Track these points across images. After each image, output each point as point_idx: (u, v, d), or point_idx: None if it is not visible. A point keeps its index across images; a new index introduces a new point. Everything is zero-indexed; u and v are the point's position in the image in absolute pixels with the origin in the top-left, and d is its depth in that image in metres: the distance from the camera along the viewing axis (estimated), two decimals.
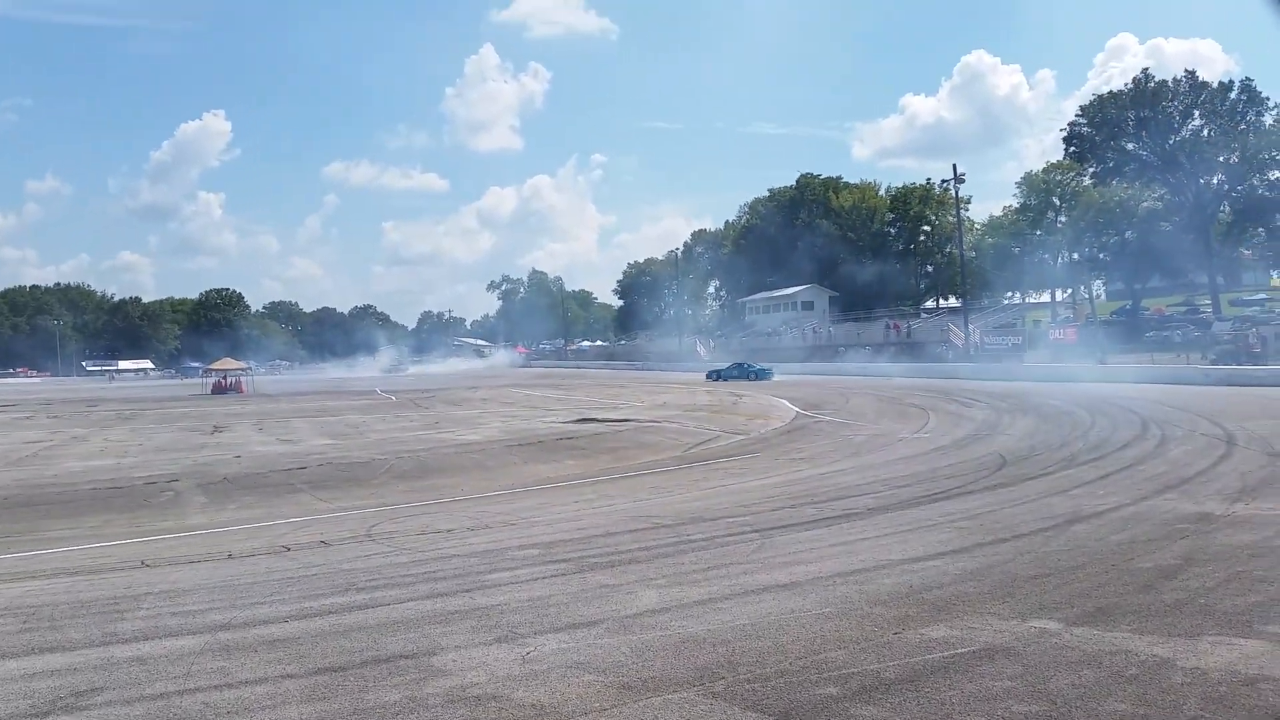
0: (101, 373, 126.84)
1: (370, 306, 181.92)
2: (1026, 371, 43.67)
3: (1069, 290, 77.14)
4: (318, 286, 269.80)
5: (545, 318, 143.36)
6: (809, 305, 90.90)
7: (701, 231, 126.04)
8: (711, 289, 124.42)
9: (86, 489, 16.69)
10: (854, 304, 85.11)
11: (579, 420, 28.03)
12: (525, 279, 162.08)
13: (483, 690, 5.54)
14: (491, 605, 7.56)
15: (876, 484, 14.46)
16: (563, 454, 20.79)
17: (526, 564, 9.32)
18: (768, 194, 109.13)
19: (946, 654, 5.91)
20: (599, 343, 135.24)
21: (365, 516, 13.43)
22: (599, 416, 29.07)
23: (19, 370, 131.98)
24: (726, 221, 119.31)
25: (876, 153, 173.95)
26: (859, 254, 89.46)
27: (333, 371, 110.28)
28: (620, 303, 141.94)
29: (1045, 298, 78.05)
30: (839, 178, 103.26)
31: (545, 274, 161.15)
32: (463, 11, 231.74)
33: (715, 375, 56.47)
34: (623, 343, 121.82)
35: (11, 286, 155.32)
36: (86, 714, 5.35)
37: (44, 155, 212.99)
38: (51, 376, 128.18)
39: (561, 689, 5.50)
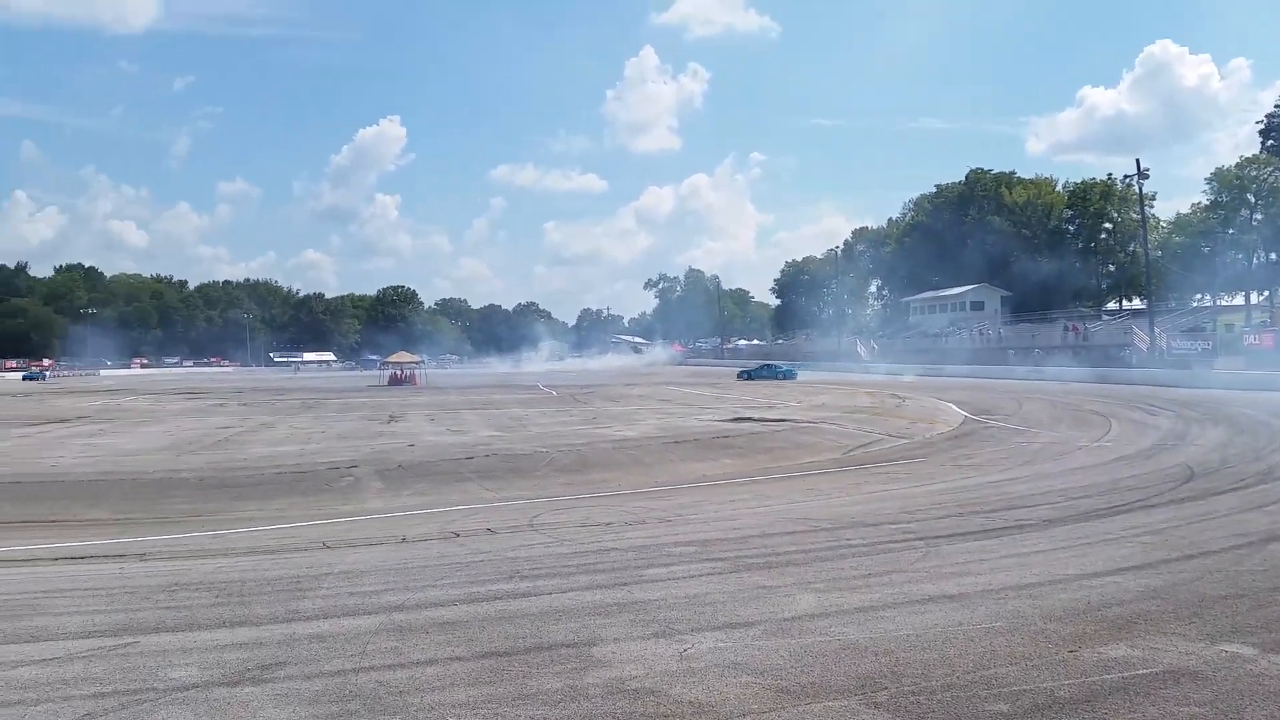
0: (287, 363, 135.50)
1: (533, 304, 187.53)
2: (1217, 379, 40.44)
3: (1265, 292, 71.14)
4: (485, 285, 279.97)
5: (701, 316, 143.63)
6: (978, 305, 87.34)
7: (863, 229, 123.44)
8: (873, 288, 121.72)
9: (272, 473, 17.82)
10: (1027, 305, 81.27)
11: (735, 419, 27.92)
12: (682, 277, 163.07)
13: (641, 684, 5.56)
14: (649, 600, 7.59)
15: (1052, 494, 13.71)
16: (719, 452, 20.74)
17: (683, 560, 9.32)
18: (934, 190, 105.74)
19: (1126, 675, 5.52)
20: (755, 342, 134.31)
21: (528, 507, 13.79)
22: (755, 416, 28.87)
23: (213, 360, 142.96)
24: (890, 219, 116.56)
25: (1052, 147, 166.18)
26: (1033, 252, 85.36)
27: (498, 366, 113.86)
28: (778, 302, 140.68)
29: (1239, 300, 72.15)
30: (1012, 173, 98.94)
31: (702, 272, 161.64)
32: (623, 15, 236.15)
33: (746, 375, 62.68)
34: (779, 342, 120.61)
35: (206, 282, 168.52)
36: (271, 686, 5.69)
37: (235, 160, 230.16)
38: (241, 366, 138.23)
39: (719, 688, 5.45)
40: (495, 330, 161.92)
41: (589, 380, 64.68)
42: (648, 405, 36.08)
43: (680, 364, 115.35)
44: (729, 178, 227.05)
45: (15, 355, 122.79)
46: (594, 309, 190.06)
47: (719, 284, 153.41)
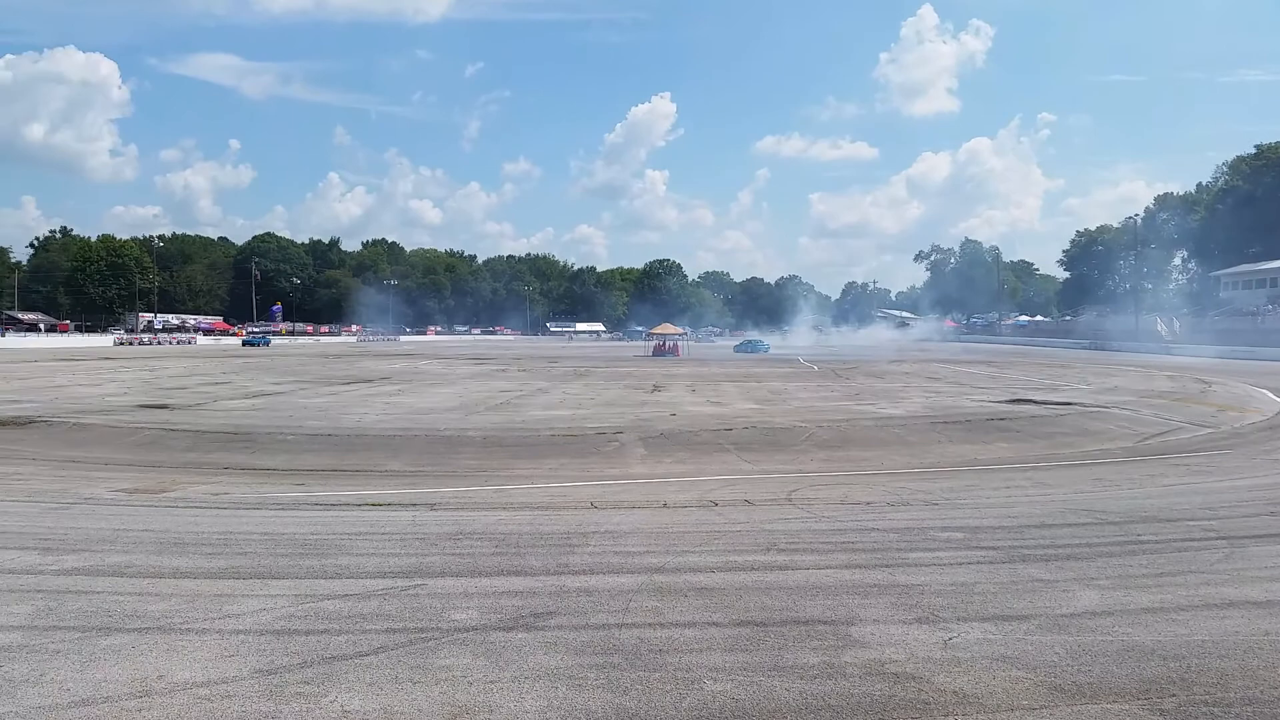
0: (561, 333, 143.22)
1: (795, 276, 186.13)
2: None
3: None
4: (747, 257, 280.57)
5: (977, 290, 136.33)
6: None
7: (1167, 195, 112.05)
8: (1177, 261, 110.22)
9: (547, 435, 18.87)
10: None
11: (1012, 400, 26.29)
12: (957, 248, 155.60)
13: (901, 669, 5.39)
14: (911, 584, 7.33)
15: None
16: (992, 435, 19.64)
17: (949, 547, 8.92)
18: (1254, 152, 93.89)
19: None
20: (1039, 318, 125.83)
21: (785, 480, 13.73)
22: (1036, 398, 27.03)
23: (496, 328, 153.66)
24: (1199, 184, 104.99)
25: None
26: None
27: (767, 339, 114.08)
28: (1066, 275, 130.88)
29: None
30: None
31: (980, 243, 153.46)
32: None
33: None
34: (1067, 318, 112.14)
35: (493, 256, 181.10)
36: (542, 634, 6.04)
37: (519, 141, 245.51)
38: (521, 334, 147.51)
39: (986, 680, 5.18)
40: (757, 302, 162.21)
41: (852, 355, 63.32)
42: (914, 383, 34.79)
43: (952, 340, 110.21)
44: (1013, 141, 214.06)
45: (329, 321, 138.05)
46: (859, 282, 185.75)
47: (998, 255, 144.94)
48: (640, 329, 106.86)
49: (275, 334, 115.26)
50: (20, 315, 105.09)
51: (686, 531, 9.70)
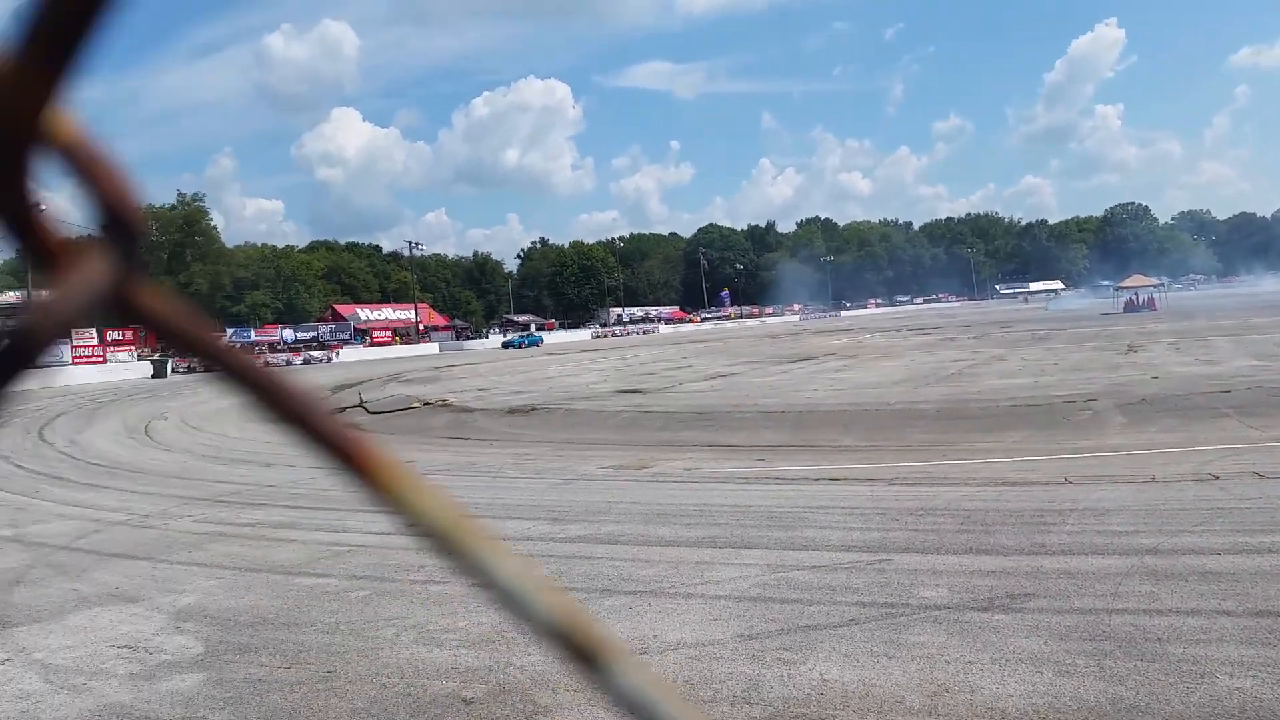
0: (1014, 295, 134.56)
1: None
2: None
3: None
4: (1231, 189, 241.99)
5: None
6: None
7: None
8: None
9: (1005, 405, 17.86)
10: None
11: None
12: None
13: None
14: None
15: None
16: None
17: None
18: None
19: None
20: None
21: None
22: None
23: (939, 296, 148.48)
24: None
25: None
26: None
27: (1266, 285, 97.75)
28: None
29: None
30: None
31: None
32: None
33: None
34: None
35: (929, 221, 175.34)
36: (1021, 616, 5.75)
37: (947, 97, 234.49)
38: (967, 300, 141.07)
39: None
40: (1248, 241, 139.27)
41: None
42: None
43: None
44: None
45: (771, 302, 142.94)
46: None
47: None
48: (1106, 283, 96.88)
49: (724, 316, 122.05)
50: (515, 317, 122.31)
51: (1181, 509, 8.62)
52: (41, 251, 0.34)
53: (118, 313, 0.36)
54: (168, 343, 0.39)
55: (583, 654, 0.36)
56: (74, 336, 56.05)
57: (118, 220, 0.35)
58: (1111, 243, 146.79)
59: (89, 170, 0.34)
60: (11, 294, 60.96)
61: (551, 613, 0.36)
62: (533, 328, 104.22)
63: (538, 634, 0.36)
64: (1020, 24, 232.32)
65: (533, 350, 73.66)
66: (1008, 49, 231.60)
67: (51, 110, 0.31)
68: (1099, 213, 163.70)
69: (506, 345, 50.01)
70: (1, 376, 0.34)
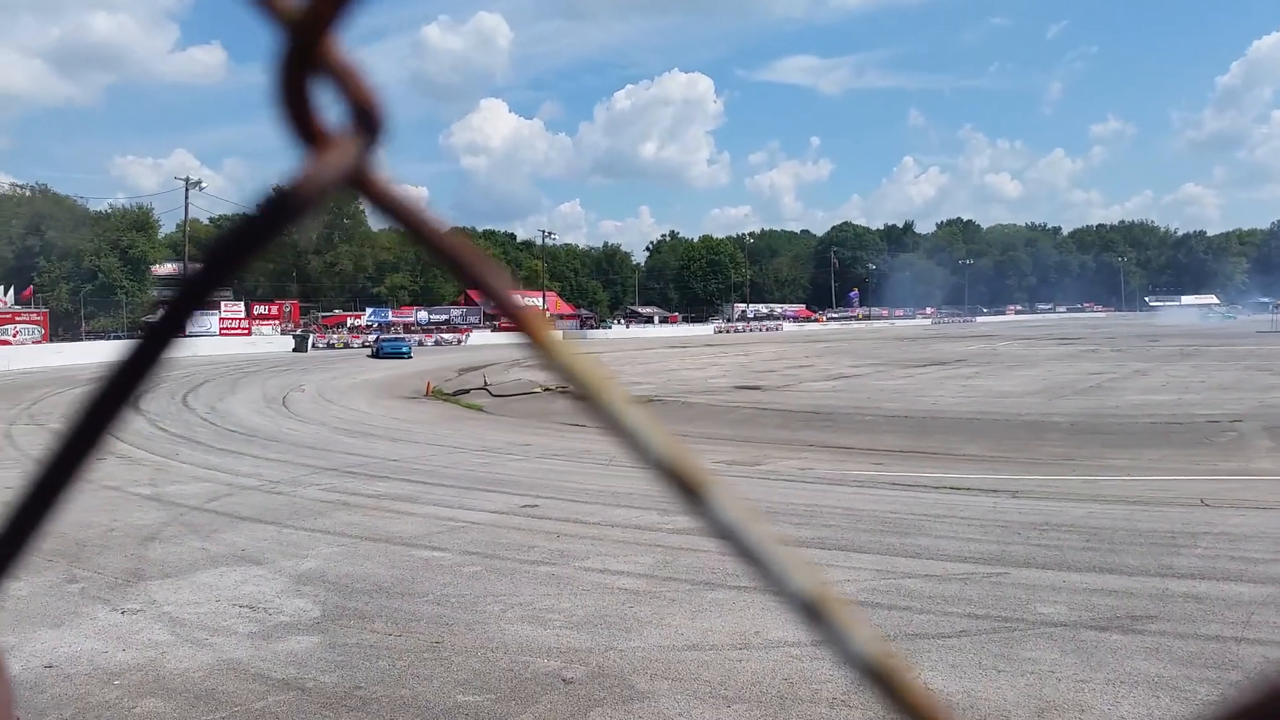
0: (1163, 308, 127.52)
1: None
2: None
3: None
4: None
5: None
6: None
7: None
8: None
9: (1145, 422, 17.02)
10: None
11: None
12: None
13: None
14: None
15: None
16: None
17: None
18: None
19: None
20: None
21: None
22: None
23: (1085, 305, 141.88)
24: None
25: None
26: None
27: None
28: None
29: None
30: None
31: None
32: None
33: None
34: None
35: (1079, 227, 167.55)
36: (1141, 638, 5.51)
37: (1108, 98, 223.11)
38: (1115, 311, 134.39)
39: None
40: None
41: None
42: None
43: None
44: None
45: (904, 304, 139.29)
46: None
47: None
48: (1266, 300, 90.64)
49: (851, 317, 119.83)
50: (639, 309, 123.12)
51: None
52: (308, 136, 0.44)
53: (358, 192, 0.45)
54: (398, 227, 0.47)
55: (688, 487, 0.42)
56: (222, 309, 59.12)
57: (366, 116, 0.44)
58: (1276, 257, 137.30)
59: (348, 79, 0.44)
60: (169, 265, 65.14)
61: (664, 450, 0.42)
62: (657, 318, 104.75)
63: (651, 468, 0.42)
64: (1194, 24, 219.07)
65: (654, 343, 73.19)
66: (1177, 49, 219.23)
67: (329, 39, 0.42)
68: (1265, 225, 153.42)
69: (376, 355, 44.35)
70: (267, 228, 0.42)
